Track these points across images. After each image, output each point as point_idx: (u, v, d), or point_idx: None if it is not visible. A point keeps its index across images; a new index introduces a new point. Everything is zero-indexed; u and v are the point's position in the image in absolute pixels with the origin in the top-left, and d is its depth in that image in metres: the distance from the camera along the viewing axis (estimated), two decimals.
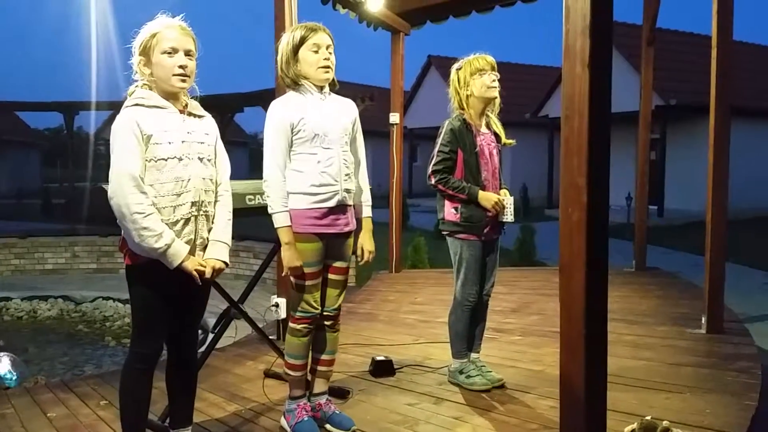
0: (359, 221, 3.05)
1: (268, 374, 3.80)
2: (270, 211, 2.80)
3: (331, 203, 2.83)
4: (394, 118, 6.91)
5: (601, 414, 2.22)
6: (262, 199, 3.22)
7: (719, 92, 4.53)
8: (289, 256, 2.77)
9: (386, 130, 7.30)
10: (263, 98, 14.44)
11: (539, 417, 3.09)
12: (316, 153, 2.80)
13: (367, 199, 3.06)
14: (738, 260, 9.57)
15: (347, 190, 2.88)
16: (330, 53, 2.83)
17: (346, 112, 2.96)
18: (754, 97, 17.60)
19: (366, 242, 3.03)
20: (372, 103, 11.96)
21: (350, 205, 2.94)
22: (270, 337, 4.05)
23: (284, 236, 2.78)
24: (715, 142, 4.52)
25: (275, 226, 2.80)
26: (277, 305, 4.58)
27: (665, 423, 2.77)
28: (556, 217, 17.37)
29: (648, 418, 2.83)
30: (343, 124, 2.90)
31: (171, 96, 2.42)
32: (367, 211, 3.06)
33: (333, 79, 2.91)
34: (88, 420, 3.21)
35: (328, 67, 2.82)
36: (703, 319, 4.53)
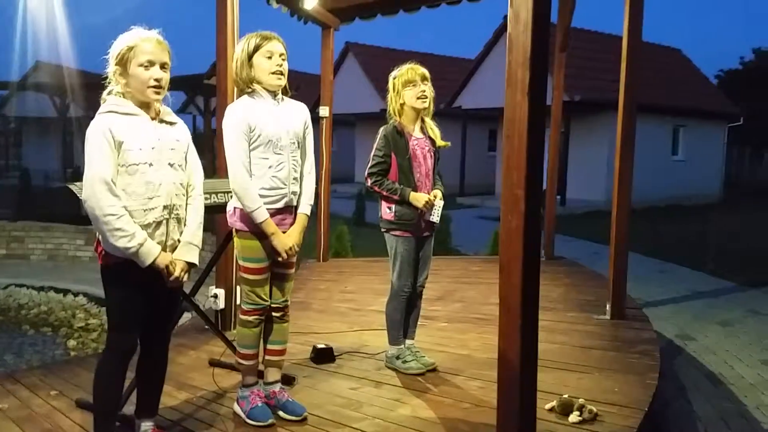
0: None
1: (214, 363, 3.95)
2: (248, 210, 2.90)
3: (280, 205, 3.02)
4: (324, 111, 7.07)
5: (533, 390, 2.55)
6: (218, 198, 3.38)
7: (627, 96, 4.92)
8: (280, 242, 2.96)
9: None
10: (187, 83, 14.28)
11: (470, 396, 3.43)
12: (268, 158, 2.97)
13: (309, 197, 3.13)
14: (635, 249, 10.33)
15: (294, 192, 3.06)
16: (283, 60, 2.99)
17: (298, 116, 3.12)
18: (653, 94, 18.80)
19: (293, 235, 3.05)
20: (296, 93, 12.01)
21: (297, 206, 3.11)
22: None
23: (269, 228, 2.93)
24: (621, 144, 4.93)
25: (257, 221, 2.92)
26: (216, 296, 4.71)
27: (581, 400, 3.16)
28: (467, 205, 18.31)
29: (565, 396, 3.22)
30: (294, 130, 3.06)
31: (144, 104, 2.55)
32: (305, 208, 3.12)
33: (286, 86, 3.06)
34: (43, 410, 3.27)
35: (281, 73, 2.98)
36: (608, 306, 5.01)
